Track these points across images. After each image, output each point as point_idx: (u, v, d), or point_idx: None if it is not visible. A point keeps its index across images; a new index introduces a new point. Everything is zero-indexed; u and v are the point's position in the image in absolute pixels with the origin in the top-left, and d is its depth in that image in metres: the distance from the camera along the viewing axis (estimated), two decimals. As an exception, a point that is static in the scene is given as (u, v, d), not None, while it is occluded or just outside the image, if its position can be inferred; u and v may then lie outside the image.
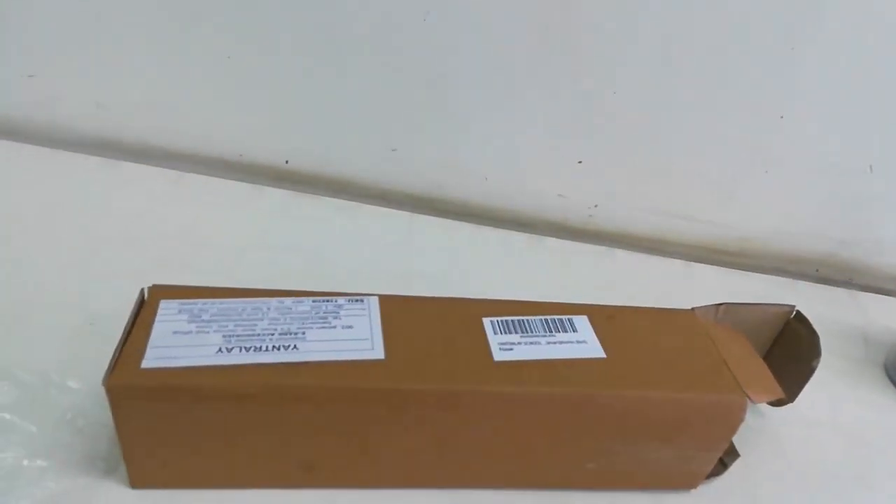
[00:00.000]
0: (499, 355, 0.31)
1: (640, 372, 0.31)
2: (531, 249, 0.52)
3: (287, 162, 0.53)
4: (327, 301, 0.32)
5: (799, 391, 0.36)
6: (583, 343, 0.32)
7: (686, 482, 0.34)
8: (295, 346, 0.29)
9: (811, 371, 0.35)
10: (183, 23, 0.47)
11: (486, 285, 0.46)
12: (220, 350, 0.28)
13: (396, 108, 0.50)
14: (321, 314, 0.32)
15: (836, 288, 0.53)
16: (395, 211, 0.52)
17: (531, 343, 0.32)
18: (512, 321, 0.33)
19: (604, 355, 0.32)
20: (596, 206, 0.53)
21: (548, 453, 0.32)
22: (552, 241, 0.53)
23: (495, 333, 0.32)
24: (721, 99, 0.47)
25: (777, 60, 0.45)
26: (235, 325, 0.30)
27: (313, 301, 0.32)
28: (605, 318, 0.34)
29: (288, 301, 0.32)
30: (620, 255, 0.53)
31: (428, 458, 0.31)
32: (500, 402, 0.29)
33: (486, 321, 0.33)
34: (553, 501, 0.33)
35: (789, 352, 0.37)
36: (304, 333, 0.30)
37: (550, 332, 0.33)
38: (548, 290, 0.47)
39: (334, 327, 0.31)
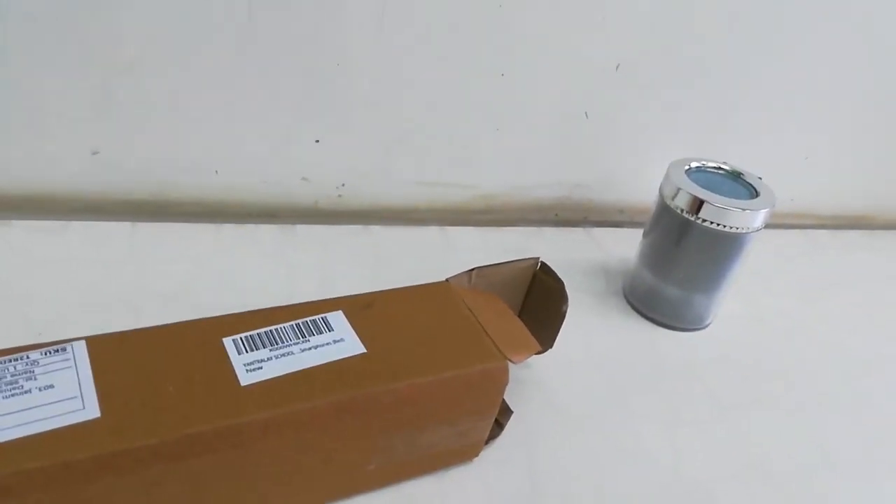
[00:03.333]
0: (246, 378, 0.27)
1: (403, 360, 0.30)
2: (282, 241, 0.48)
3: (-47, 185, 0.43)
4: (15, 359, 0.26)
5: (555, 336, 0.37)
6: (340, 342, 0.30)
7: (467, 453, 0.34)
8: (-27, 430, 0.23)
9: (562, 316, 0.37)
10: None
11: (237, 291, 0.42)
12: None
13: (87, 104, 0.42)
14: (8, 379, 0.25)
15: (574, 228, 0.57)
16: (112, 223, 0.45)
17: (283, 355, 0.29)
18: (258, 335, 0.29)
19: (364, 350, 0.30)
20: (343, 184, 0.51)
21: (323, 469, 0.29)
22: (304, 228, 0.49)
23: (239, 353, 0.28)
24: (443, 62, 0.47)
25: (490, 19, 0.45)
26: None
27: (-5, 364, 0.25)
28: (361, 309, 0.32)
29: (-45, 373, 0.25)
30: (376, 230, 0.51)
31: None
32: (253, 432, 0.26)
33: (228, 341, 0.28)
34: (338, 513, 0.31)
35: (541, 301, 0.38)
36: (-17, 411, 0.24)
37: (304, 336, 0.30)
38: (307, 282, 0.44)
39: (28, 392, 0.25)
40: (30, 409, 0.24)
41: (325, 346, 0.29)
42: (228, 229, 0.47)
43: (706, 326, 0.48)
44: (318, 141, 0.48)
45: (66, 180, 0.45)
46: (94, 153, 0.44)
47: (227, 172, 0.47)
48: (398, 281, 0.35)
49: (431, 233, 0.52)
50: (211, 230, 0.47)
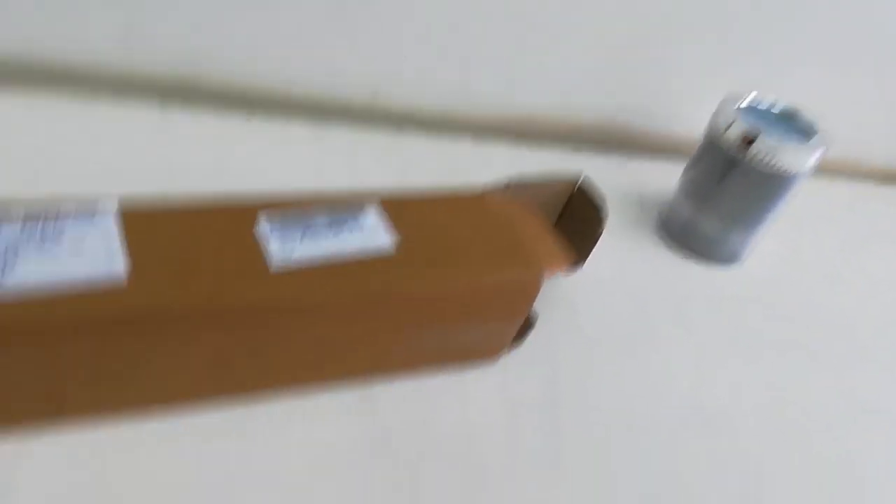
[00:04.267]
0: (278, 259, 0.26)
1: (435, 259, 0.29)
2: (314, 139, 0.46)
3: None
4: (47, 216, 0.25)
5: (587, 255, 0.36)
6: (373, 234, 0.29)
7: (490, 354, 0.34)
8: (-1, 282, 0.23)
9: (598, 235, 0.35)
10: None
11: (263, 184, 0.40)
12: None
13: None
14: (38, 235, 0.24)
15: (613, 155, 0.55)
16: (140, 103, 0.43)
17: (315, 240, 0.28)
18: (292, 217, 0.28)
19: (397, 246, 0.29)
20: (380, 86, 0.49)
21: (345, 352, 0.29)
22: (335, 129, 0.48)
23: (272, 232, 0.27)
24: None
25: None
26: None
27: (26, 219, 0.25)
28: (396, 205, 0.31)
29: (-13, 224, 0.24)
30: (409, 137, 0.49)
31: (203, 376, 0.27)
32: (282, 314, 0.25)
33: (262, 219, 0.28)
34: (355, 394, 0.30)
35: (576, 218, 0.37)
36: (13, 263, 0.23)
37: (337, 225, 0.29)
38: (335, 182, 0.43)
39: (59, 245, 0.24)
40: (58, 261, 0.24)
41: (358, 235, 0.29)
42: (258, 123, 0.46)
43: (739, 264, 0.46)
44: (356, 38, 0.46)
45: (94, 54, 0.43)
46: (127, 28, 0.42)
47: (262, 59, 0.46)
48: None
49: (465, 144, 0.51)
50: (234, 119, 0.45)
